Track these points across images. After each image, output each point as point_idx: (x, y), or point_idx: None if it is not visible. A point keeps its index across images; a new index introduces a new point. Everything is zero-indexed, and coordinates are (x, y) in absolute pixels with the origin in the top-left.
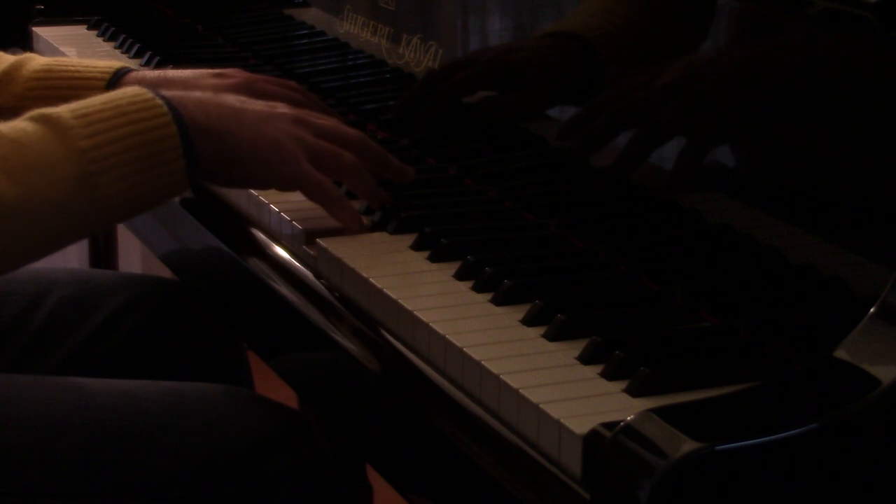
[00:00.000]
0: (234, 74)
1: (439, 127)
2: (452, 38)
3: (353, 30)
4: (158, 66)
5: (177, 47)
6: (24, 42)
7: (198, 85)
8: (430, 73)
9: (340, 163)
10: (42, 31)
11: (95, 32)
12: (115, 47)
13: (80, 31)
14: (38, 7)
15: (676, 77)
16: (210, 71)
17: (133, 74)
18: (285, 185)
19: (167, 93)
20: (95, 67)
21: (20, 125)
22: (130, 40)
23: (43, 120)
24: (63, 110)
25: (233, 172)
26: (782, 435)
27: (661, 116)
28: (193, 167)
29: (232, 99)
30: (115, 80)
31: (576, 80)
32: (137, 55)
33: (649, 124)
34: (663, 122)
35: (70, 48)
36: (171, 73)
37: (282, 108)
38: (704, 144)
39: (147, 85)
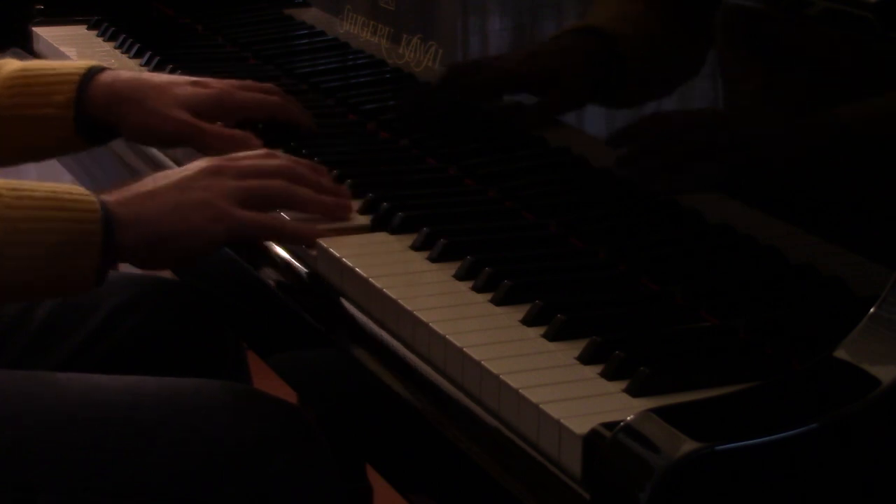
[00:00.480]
0: (211, 84)
1: (439, 127)
2: (452, 38)
3: (353, 30)
4: (158, 66)
5: (177, 47)
6: (24, 42)
7: (174, 92)
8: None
9: (272, 193)
10: (42, 31)
11: (95, 32)
12: (115, 47)
13: (80, 31)
14: (38, 7)
15: (676, 77)
16: (187, 78)
17: (107, 73)
18: (226, 241)
19: (107, 196)
20: (70, 66)
21: None
22: (130, 40)
23: None
24: (2, 182)
25: (169, 252)
26: (782, 435)
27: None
28: (108, 261)
29: (147, 182)
30: (89, 77)
31: (600, 77)
32: (137, 55)
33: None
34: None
35: (70, 48)
36: (147, 76)
37: (198, 166)
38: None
39: (121, 84)
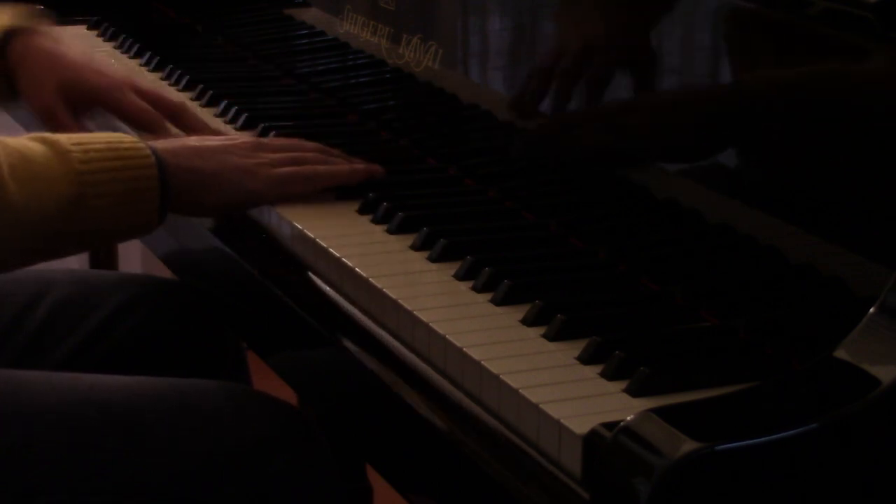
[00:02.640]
0: (109, 76)
1: (439, 127)
2: (452, 38)
3: (353, 30)
4: (158, 65)
5: (177, 47)
6: None
7: (77, 70)
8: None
9: (309, 161)
10: None
11: (95, 32)
12: (115, 47)
13: (80, 31)
14: (38, 7)
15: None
16: (92, 65)
17: (32, 36)
18: (265, 196)
19: (154, 142)
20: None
21: (24, 142)
22: (130, 40)
23: (44, 141)
24: (61, 136)
25: (207, 200)
26: (782, 435)
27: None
28: (166, 209)
29: (191, 140)
30: (10, 35)
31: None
32: (137, 55)
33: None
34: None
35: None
36: (53, 48)
37: (241, 139)
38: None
39: (34, 47)
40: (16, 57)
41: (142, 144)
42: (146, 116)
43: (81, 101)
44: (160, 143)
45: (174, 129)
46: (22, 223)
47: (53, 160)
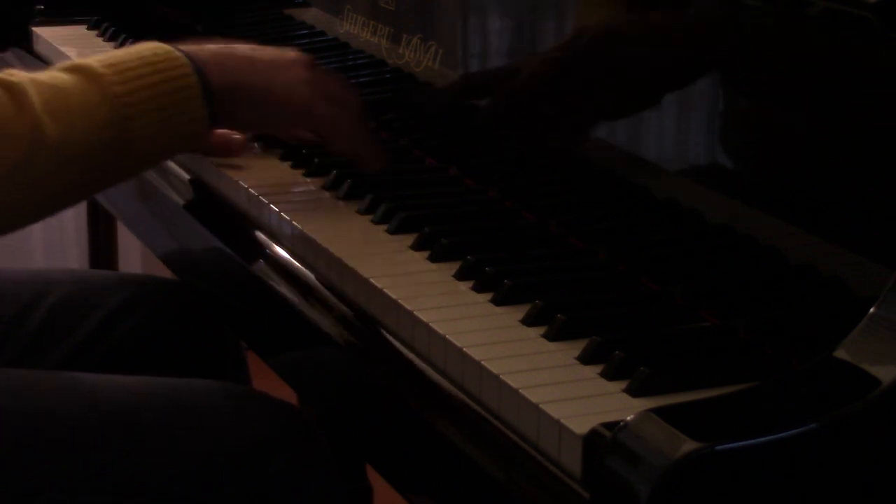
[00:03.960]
0: None
1: (439, 127)
2: (452, 38)
3: (353, 30)
4: None
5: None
6: (24, 42)
7: None
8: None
9: (350, 103)
10: (42, 31)
11: (95, 32)
12: (115, 47)
13: (80, 31)
14: (38, 7)
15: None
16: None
17: None
18: (302, 125)
19: (185, 47)
20: None
21: (55, 73)
22: (130, 40)
23: (75, 69)
24: (91, 60)
25: (250, 116)
26: (782, 435)
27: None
28: (213, 113)
29: (244, 48)
30: None
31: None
32: None
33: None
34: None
35: (70, 48)
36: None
37: (292, 54)
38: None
39: None
40: None
41: (177, 53)
42: (225, 142)
43: None
44: (200, 49)
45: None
46: (66, 158)
47: (88, 87)
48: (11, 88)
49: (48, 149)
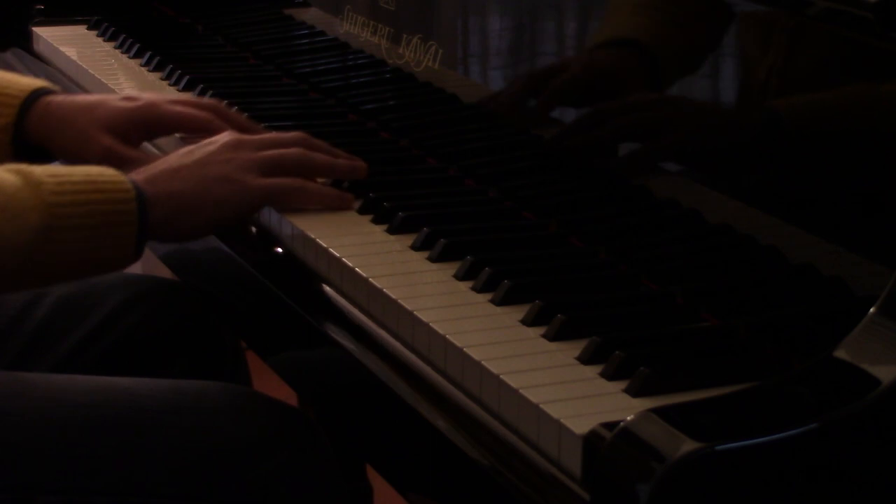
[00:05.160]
0: (139, 98)
1: (439, 127)
2: (452, 38)
3: (353, 30)
4: (158, 66)
5: (177, 47)
6: (24, 42)
7: (96, 114)
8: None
9: (291, 159)
10: (42, 31)
11: (95, 32)
12: (115, 47)
13: (80, 31)
14: (38, 7)
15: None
16: (117, 96)
17: (48, 97)
18: (251, 209)
19: (136, 176)
20: (14, 87)
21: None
22: (130, 40)
23: (17, 171)
24: (37, 168)
25: (191, 225)
26: (782, 435)
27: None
28: (144, 237)
29: (172, 158)
30: (31, 100)
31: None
32: (137, 55)
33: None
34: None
35: (70, 48)
36: (81, 98)
37: (220, 141)
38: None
39: (54, 107)
40: (39, 123)
41: (123, 178)
42: (194, 118)
43: (129, 132)
44: (140, 174)
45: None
46: None
47: (24, 190)
48: None
49: None
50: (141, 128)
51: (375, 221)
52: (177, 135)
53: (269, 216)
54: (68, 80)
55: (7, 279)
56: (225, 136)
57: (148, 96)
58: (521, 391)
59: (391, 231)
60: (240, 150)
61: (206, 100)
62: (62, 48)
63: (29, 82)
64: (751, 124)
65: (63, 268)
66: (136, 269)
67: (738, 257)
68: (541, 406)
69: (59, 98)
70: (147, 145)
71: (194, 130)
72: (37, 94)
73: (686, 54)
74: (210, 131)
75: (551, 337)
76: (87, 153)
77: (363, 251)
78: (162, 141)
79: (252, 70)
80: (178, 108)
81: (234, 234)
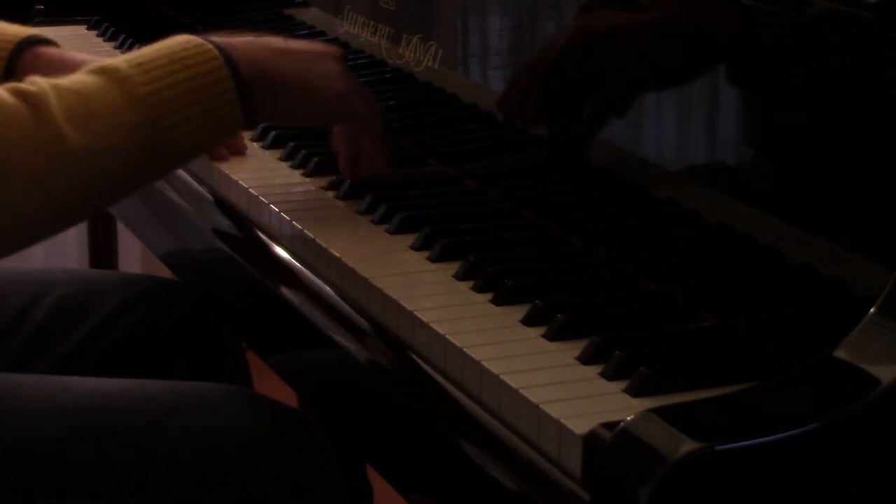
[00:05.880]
0: None
1: (439, 127)
2: (452, 38)
3: (353, 30)
4: None
5: None
6: None
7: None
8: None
9: (376, 104)
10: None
11: (95, 32)
12: (115, 47)
13: (80, 31)
14: (38, 7)
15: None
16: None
17: (41, 47)
18: (336, 118)
19: (216, 38)
20: (6, 34)
21: (79, 77)
22: (130, 40)
23: (101, 72)
24: (118, 61)
25: (286, 107)
26: (782, 435)
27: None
28: (247, 105)
29: (277, 40)
30: (21, 48)
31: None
32: None
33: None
34: None
35: (70, 48)
36: (69, 54)
37: (325, 48)
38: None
39: (42, 60)
40: (28, 72)
41: (207, 46)
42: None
43: None
44: (233, 42)
45: None
46: (89, 166)
47: (113, 90)
48: (30, 98)
49: (72, 161)
50: None
51: (375, 221)
52: None
53: (269, 216)
54: None
55: (119, 181)
56: (325, 47)
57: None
58: (521, 391)
59: (391, 231)
60: (344, 63)
61: None
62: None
63: (17, 31)
64: (750, 124)
65: (176, 152)
66: (136, 269)
67: (738, 257)
68: (541, 406)
69: (50, 51)
70: None
71: None
72: (26, 42)
73: (679, 54)
74: None
75: (551, 337)
76: None
77: (363, 251)
78: None
79: None
80: None
81: (234, 234)
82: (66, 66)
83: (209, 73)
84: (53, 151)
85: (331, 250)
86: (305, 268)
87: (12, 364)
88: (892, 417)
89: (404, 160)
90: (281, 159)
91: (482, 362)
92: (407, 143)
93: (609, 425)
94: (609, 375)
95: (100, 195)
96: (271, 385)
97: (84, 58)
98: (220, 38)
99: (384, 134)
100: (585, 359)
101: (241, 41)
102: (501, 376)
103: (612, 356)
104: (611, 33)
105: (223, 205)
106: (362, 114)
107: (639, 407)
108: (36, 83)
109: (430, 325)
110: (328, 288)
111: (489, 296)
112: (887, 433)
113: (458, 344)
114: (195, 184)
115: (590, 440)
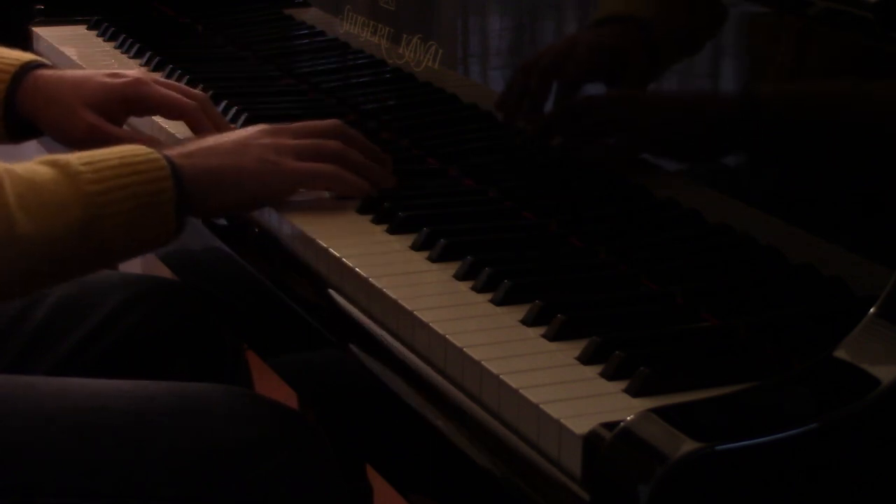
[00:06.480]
0: (126, 74)
1: (439, 127)
2: (452, 38)
3: (353, 30)
4: (158, 66)
5: (177, 47)
6: (24, 42)
7: (83, 91)
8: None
9: (327, 150)
10: (42, 31)
11: (95, 32)
12: (115, 47)
13: (80, 31)
14: (38, 7)
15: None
16: (103, 72)
17: (39, 70)
18: (283, 191)
19: (169, 151)
20: (5, 60)
21: (32, 167)
22: (130, 40)
23: (53, 164)
24: (71, 156)
25: (228, 199)
26: (782, 435)
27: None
28: (184, 213)
29: (208, 139)
30: (22, 74)
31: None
32: (137, 55)
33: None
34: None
35: (70, 48)
36: (69, 73)
37: (256, 128)
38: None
39: (43, 82)
40: (29, 97)
41: (156, 154)
42: (178, 102)
43: (113, 109)
44: (175, 150)
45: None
46: (31, 253)
47: (63, 184)
48: None
49: (18, 244)
50: (125, 104)
51: (375, 221)
52: (155, 117)
53: (269, 216)
54: None
55: (55, 271)
56: (260, 126)
57: (135, 73)
58: (521, 391)
59: (391, 231)
60: (278, 135)
61: (197, 91)
62: (62, 48)
63: (19, 55)
64: (750, 124)
65: (110, 252)
66: (136, 269)
67: (738, 257)
68: (541, 406)
69: (48, 73)
70: (133, 120)
71: (175, 116)
72: (27, 67)
73: (683, 47)
74: (192, 122)
75: (551, 337)
76: (72, 130)
77: (363, 251)
78: (137, 120)
79: (252, 70)
80: (165, 91)
81: (235, 234)
82: (65, 85)
83: (155, 181)
84: (2, 235)
85: (331, 250)
86: (305, 267)
87: (12, 364)
88: (892, 417)
89: (404, 160)
90: None
91: (482, 362)
92: (407, 143)
93: (609, 425)
94: (609, 375)
95: (34, 281)
96: (271, 385)
97: (82, 73)
98: (176, 151)
99: (360, 156)
100: (585, 359)
101: (188, 147)
102: (501, 376)
103: (612, 356)
104: (622, 52)
105: None
106: (306, 171)
107: (639, 407)
108: None
109: (430, 325)
110: (328, 288)
111: (489, 296)
112: (887, 433)
113: (458, 344)
114: None
115: (590, 440)
